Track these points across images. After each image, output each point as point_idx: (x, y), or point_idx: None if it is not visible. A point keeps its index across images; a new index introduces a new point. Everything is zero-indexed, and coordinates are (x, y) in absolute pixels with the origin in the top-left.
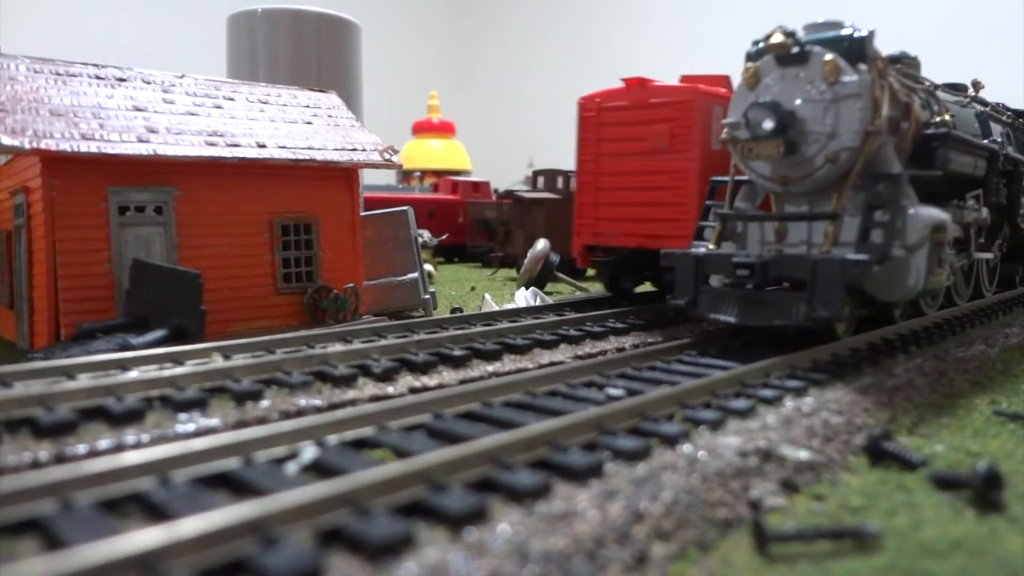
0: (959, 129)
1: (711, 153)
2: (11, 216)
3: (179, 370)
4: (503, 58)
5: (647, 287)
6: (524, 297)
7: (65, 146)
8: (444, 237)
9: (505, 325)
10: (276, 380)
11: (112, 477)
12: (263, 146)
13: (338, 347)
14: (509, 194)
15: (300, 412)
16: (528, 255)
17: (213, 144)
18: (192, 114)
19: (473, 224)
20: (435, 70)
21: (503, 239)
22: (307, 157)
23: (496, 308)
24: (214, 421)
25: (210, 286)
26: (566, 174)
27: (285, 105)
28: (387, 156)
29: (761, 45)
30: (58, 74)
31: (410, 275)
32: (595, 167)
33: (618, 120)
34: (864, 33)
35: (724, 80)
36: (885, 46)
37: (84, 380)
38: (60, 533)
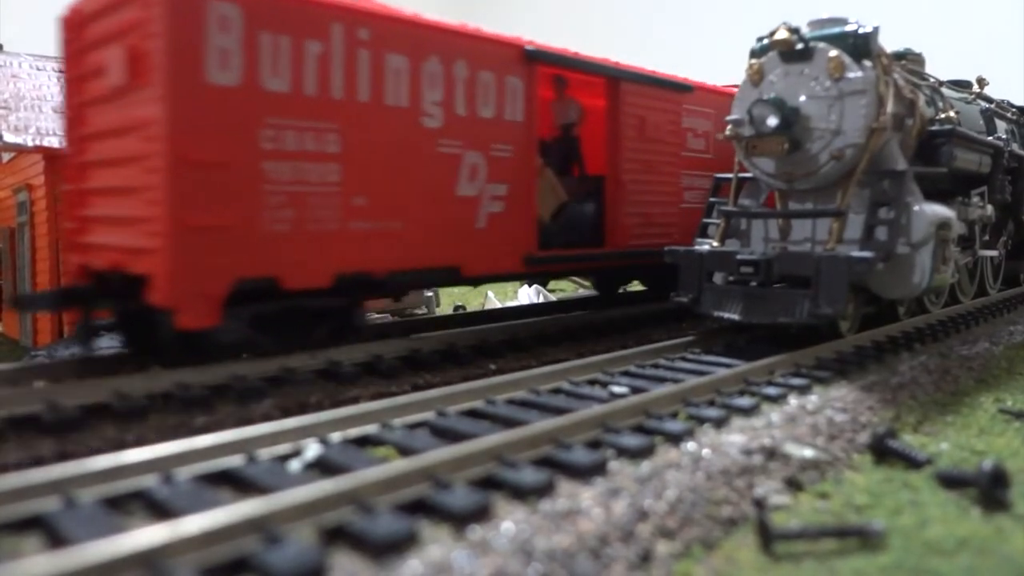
0: (964, 126)
1: (211, 92)
2: (14, 213)
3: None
4: None
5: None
6: (527, 294)
7: None
8: None
9: None
10: (280, 378)
11: (115, 475)
12: None
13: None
14: None
15: (303, 409)
16: None
17: None
18: None
19: None
20: None
21: None
22: None
23: (499, 305)
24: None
25: None
26: None
27: None
28: None
29: (765, 41)
30: (61, 71)
31: None
32: (78, 129)
33: (94, 40)
34: (869, 29)
35: None
36: (890, 42)
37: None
38: (64, 531)
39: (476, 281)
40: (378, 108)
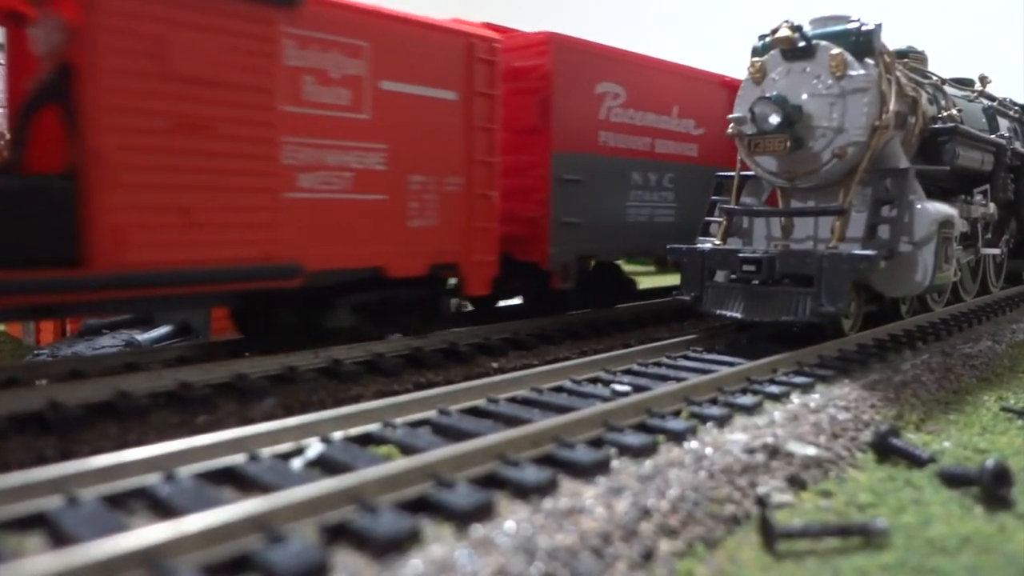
0: (966, 124)
1: None
2: None
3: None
4: None
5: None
6: None
7: None
8: None
9: None
10: (283, 377)
11: (117, 473)
12: None
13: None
14: None
15: (306, 408)
16: None
17: None
18: None
19: None
20: None
21: None
22: None
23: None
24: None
25: None
26: None
27: None
28: None
29: (767, 39)
30: None
31: None
32: None
33: None
34: (871, 27)
35: None
36: (892, 41)
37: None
38: (66, 529)
39: None
40: None
